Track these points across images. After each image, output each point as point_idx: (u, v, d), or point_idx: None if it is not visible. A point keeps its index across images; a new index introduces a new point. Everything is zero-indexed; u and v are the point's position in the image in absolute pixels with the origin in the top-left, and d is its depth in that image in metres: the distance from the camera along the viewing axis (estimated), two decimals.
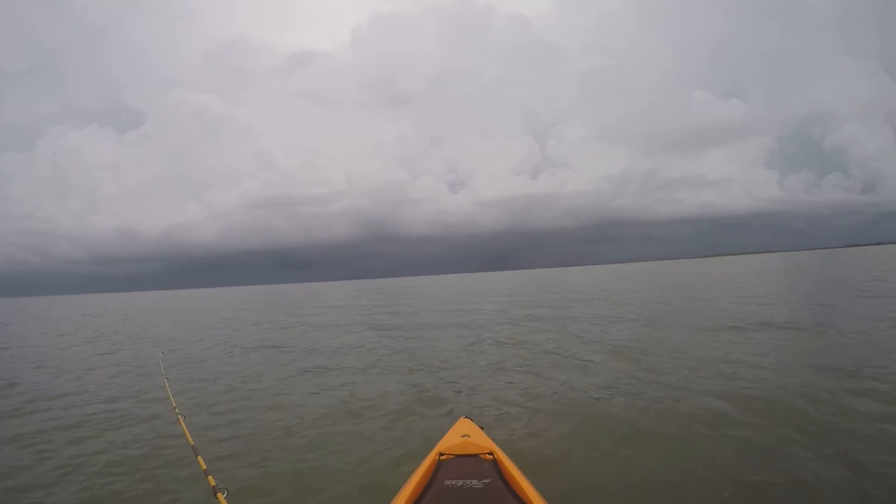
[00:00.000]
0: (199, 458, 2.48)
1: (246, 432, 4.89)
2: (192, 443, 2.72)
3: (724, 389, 5.46)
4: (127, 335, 15.66)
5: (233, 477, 3.75)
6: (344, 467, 3.90)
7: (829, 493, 3.10)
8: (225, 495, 2.08)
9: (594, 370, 6.78)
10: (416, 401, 5.76)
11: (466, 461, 2.59)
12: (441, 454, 2.65)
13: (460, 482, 2.35)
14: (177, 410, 3.35)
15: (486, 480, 2.35)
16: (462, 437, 2.82)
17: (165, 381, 4.42)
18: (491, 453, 2.63)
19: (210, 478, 2.23)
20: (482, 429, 3.04)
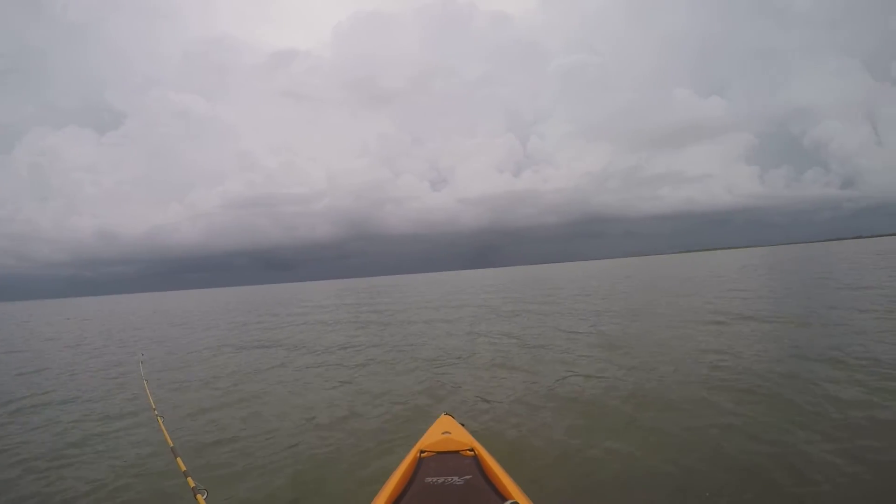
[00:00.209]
0: (179, 459, 2.47)
1: (226, 433, 4.86)
2: (172, 444, 2.70)
3: (710, 380, 5.57)
4: (108, 339, 15.43)
5: (213, 478, 3.73)
6: (325, 466, 3.90)
7: (819, 477, 3.18)
8: (205, 496, 2.08)
9: (578, 365, 6.86)
10: (399, 398, 5.78)
11: (447, 458, 2.61)
12: (422, 451, 2.66)
13: (441, 479, 2.37)
14: (156, 412, 3.33)
15: (467, 477, 2.38)
16: (443, 433, 2.83)
17: (145, 383, 4.37)
18: (471, 449, 2.65)
19: (189, 479, 2.22)
20: (463, 425, 3.06)
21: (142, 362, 5.95)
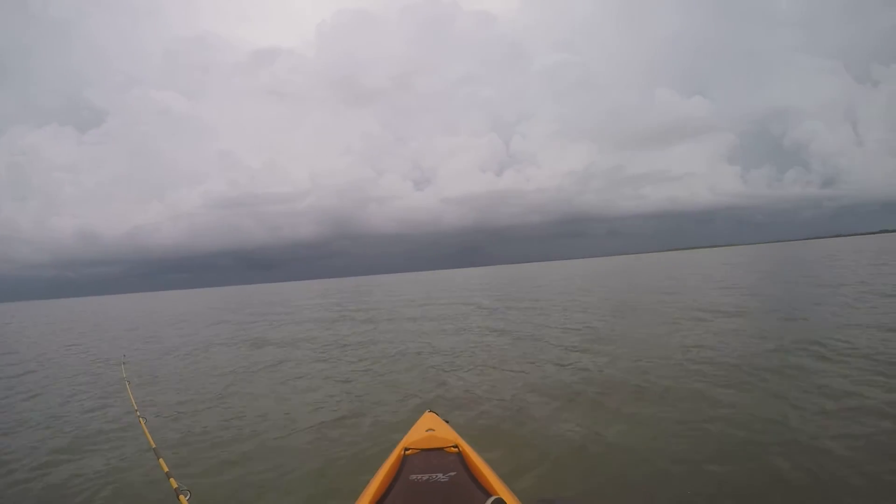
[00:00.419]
0: (161, 460, 2.46)
1: (210, 434, 4.82)
2: (154, 445, 2.68)
3: (696, 373, 5.71)
4: (89, 341, 15.17)
5: (196, 478, 3.70)
6: (310, 465, 3.89)
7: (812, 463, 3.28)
8: (188, 497, 2.07)
9: (562, 360, 6.94)
10: (383, 396, 5.78)
11: (431, 455, 2.62)
12: (406, 449, 2.67)
13: (426, 476, 2.37)
14: (138, 413, 3.29)
15: (451, 473, 2.39)
16: (427, 431, 2.84)
17: (127, 384, 4.32)
18: (456, 446, 2.67)
19: (172, 480, 2.21)
20: (447, 422, 3.08)
21: (123, 364, 5.87)
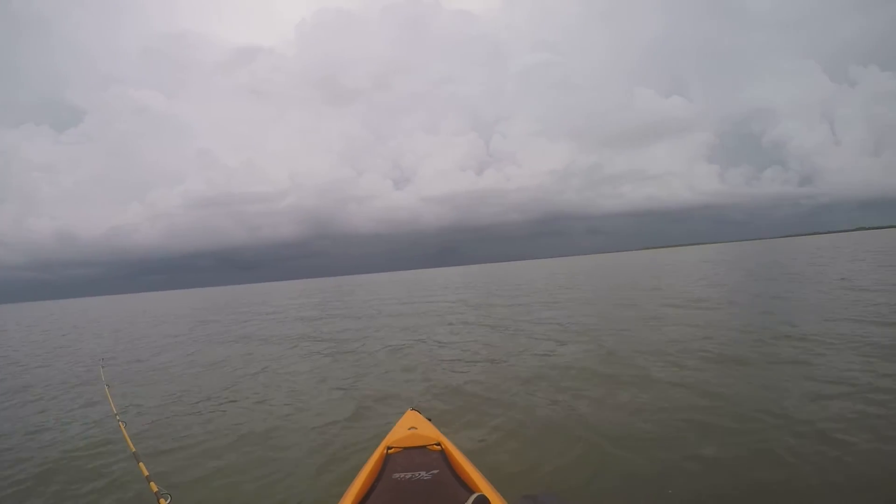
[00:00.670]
0: (141, 464, 2.43)
1: (191, 437, 4.75)
2: (134, 449, 2.66)
3: (674, 364, 5.90)
4: (68, 343, 14.82)
5: (176, 483, 3.66)
6: (292, 467, 3.86)
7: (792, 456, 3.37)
8: (168, 501, 2.06)
9: (544, 357, 7.02)
10: (365, 395, 5.76)
11: (414, 453, 2.64)
12: (389, 448, 2.68)
13: (409, 474, 2.38)
14: (118, 417, 3.25)
15: (434, 471, 2.40)
16: (409, 429, 2.86)
17: (106, 387, 4.25)
18: (438, 444, 2.69)
19: (152, 483, 2.19)
20: (430, 420, 3.09)
21: (103, 367, 5.77)
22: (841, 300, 9.80)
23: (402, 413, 3.28)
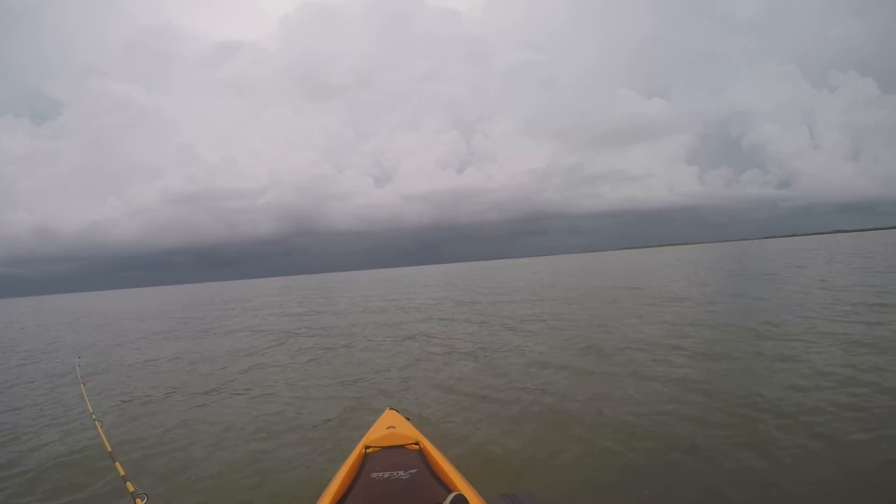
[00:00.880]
0: (117, 464, 2.41)
1: (168, 437, 4.69)
2: (110, 449, 2.62)
3: (658, 361, 6.04)
4: (43, 341, 14.46)
5: (154, 482, 3.62)
6: (269, 467, 3.85)
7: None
8: (145, 501, 2.04)
9: (524, 354, 7.12)
10: (343, 395, 5.75)
11: (392, 452, 2.64)
12: (367, 447, 2.69)
13: (387, 474, 2.39)
14: (94, 416, 3.20)
15: (413, 470, 2.41)
16: (388, 428, 2.86)
17: (82, 386, 4.18)
18: (416, 443, 2.70)
19: (129, 484, 2.17)
20: (408, 419, 3.11)
21: (79, 365, 5.66)
22: (820, 300, 10.09)
23: (381, 413, 3.29)
